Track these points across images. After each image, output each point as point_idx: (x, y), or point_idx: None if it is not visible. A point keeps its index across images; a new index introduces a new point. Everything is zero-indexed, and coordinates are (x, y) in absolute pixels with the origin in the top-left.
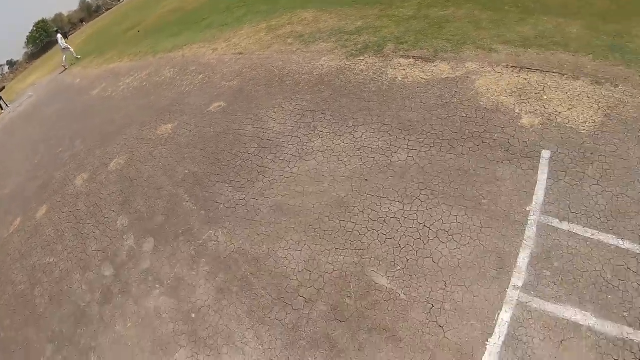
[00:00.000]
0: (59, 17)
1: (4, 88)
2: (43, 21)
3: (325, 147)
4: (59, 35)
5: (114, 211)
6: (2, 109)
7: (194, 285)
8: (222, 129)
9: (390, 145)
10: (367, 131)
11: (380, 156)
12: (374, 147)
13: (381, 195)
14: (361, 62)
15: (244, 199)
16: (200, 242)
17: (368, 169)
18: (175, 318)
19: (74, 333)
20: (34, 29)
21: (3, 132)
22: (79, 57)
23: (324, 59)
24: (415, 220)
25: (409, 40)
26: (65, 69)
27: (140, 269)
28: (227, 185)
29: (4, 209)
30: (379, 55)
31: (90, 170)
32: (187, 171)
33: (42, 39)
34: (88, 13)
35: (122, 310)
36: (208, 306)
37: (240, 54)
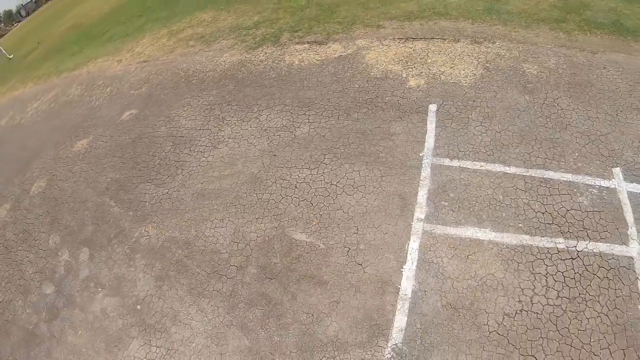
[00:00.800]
0: None
1: None
2: None
3: (235, 134)
4: None
5: (43, 232)
6: None
7: (134, 279)
8: (136, 134)
9: (293, 122)
10: (270, 114)
11: (284, 133)
12: (278, 126)
13: (290, 166)
14: (260, 53)
15: (167, 193)
16: (133, 239)
17: (275, 146)
18: (122, 314)
19: (27, 356)
20: None
21: None
22: (11, 56)
23: (225, 55)
24: (323, 181)
25: (303, 27)
26: None
27: (81, 278)
28: (149, 184)
29: None
30: (276, 45)
31: (11, 199)
32: (109, 179)
33: None
34: None
35: (71, 321)
36: (151, 295)
37: (145, 61)
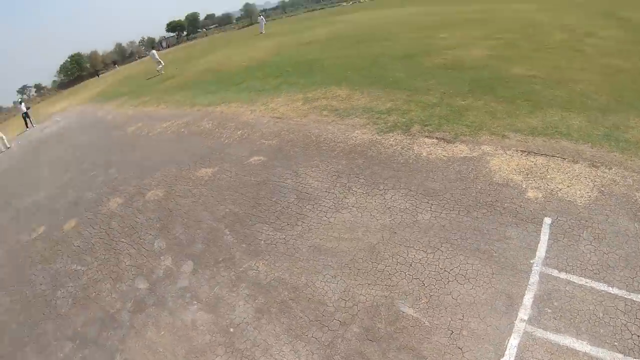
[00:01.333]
0: (94, 54)
1: (29, 108)
2: (78, 54)
3: (359, 204)
4: (153, 51)
5: (150, 234)
6: (27, 126)
7: (233, 304)
8: (262, 178)
9: (416, 207)
10: (395, 194)
11: (406, 215)
12: (402, 207)
13: (408, 245)
14: (390, 137)
15: (284, 238)
16: (241, 269)
17: (396, 224)
18: (212, 330)
19: (99, 335)
20: (69, 60)
21: (30, 147)
22: (162, 72)
23: (357, 131)
24: (437, 266)
25: (433, 123)
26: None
27: (178, 287)
28: (267, 225)
29: (26, 216)
30: (406, 134)
31: (125, 196)
32: (227, 210)
33: (73, 71)
34: (121, 56)
35: (156, 320)
36: (247, 323)
37: (279, 118)
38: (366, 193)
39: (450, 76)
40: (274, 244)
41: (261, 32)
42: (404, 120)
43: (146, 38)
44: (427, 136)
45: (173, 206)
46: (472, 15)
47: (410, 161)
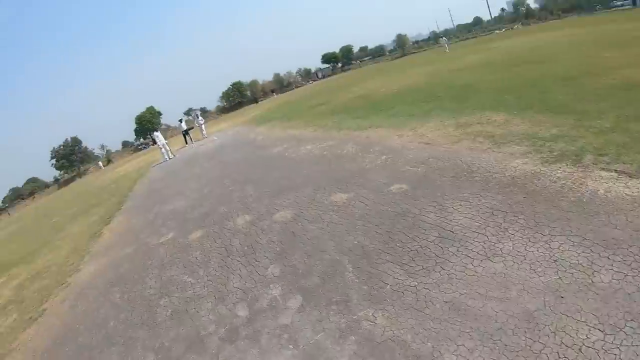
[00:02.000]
0: (253, 82)
1: (192, 128)
2: (239, 82)
3: (516, 252)
4: (200, 119)
5: (267, 257)
6: (186, 143)
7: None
8: (401, 210)
9: (592, 263)
10: (564, 243)
11: (579, 273)
12: (573, 261)
13: (579, 319)
14: (558, 169)
15: (415, 286)
16: (355, 317)
17: (565, 286)
18: None
19: (182, 356)
20: (230, 87)
21: (184, 161)
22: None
23: (516, 161)
24: (618, 357)
25: (610, 152)
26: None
27: (278, 323)
28: (397, 267)
29: (162, 222)
30: (577, 165)
31: (254, 214)
32: (356, 242)
33: (234, 97)
34: (279, 85)
35: (244, 356)
36: None
37: (427, 144)
38: (526, 238)
39: (624, 98)
40: (402, 292)
41: (446, 50)
42: (573, 148)
43: (302, 69)
44: (603, 169)
45: (298, 230)
46: (635, 33)
47: (584, 200)
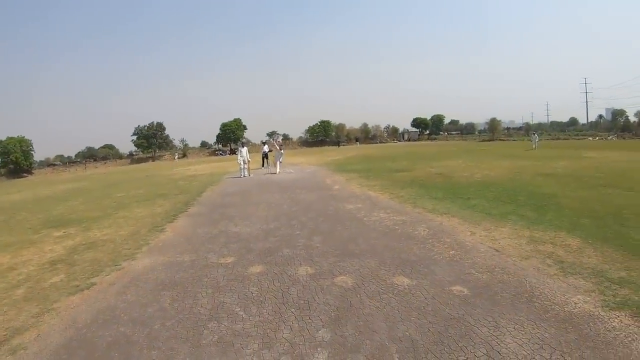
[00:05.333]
0: (341, 125)
1: (271, 151)
2: (327, 122)
3: None
4: (281, 150)
5: (320, 319)
6: (263, 165)
7: None
8: (457, 314)
9: None
10: None
11: None
12: None
13: None
14: (615, 318)
15: None
16: None
17: None
18: None
19: None
20: (318, 124)
21: (258, 186)
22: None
23: (578, 296)
24: None
25: None
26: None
27: None
28: None
29: (225, 242)
30: (636, 318)
31: (316, 269)
32: (407, 333)
33: (320, 134)
34: (364, 136)
35: None
36: None
37: (497, 250)
38: None
39: None
40: None
41: (535, 146)
42: (636, 298)
43: (390, 126)
44: None
45: (356, 302)
46: None
47: (632, 358)
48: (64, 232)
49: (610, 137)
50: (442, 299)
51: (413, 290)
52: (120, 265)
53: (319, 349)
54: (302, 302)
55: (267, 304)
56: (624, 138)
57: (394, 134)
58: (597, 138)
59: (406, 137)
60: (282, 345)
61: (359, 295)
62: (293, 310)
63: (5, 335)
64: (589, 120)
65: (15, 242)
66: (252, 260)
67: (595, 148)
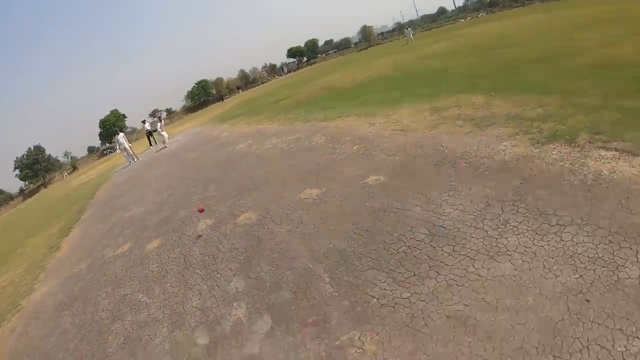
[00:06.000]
0: (219, 80)
1: (155, 130)
2: (204, 81)
3: (525, 249)
4: (159, 125)
5: (230, 269)
6: (150, 145)
7: None
8: (381, 204)
9: (614, 256)
10: (578, 234)
11: (602, 269)
12: (592, 256)
13: (611, 326)
14: (552, 150)
15: (408, 298)
16: (337, 343)
17: (588, 286)
18: None
19: None
20: (195, 86)
21: (145, 165)
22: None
23: (504, 143)
24: None
25: (605, 130)
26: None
27: (244, 353)
28: (384, 274)
29: (119, 231)
30: (572, 145)
31: (216, 217)
32: (331, 246)
33: (200, 96)
34: (245, 82)
35: None
36: None
37: (402, 130)
38: (532, 231)
39: (606, 75)
40: (392, 306)
41: (412, 41)
42: (564, 127)
43: (268, 64)
44: (602, 147)
45: (264, 235)
46: (602, 15)
47: (589, 183)
48: None
49: (481, 14)
50: (358, 194)
51: (324, 197)
52: (20, 305)
53: (234, 304)
54: (206, 258)
55: (169, 277)
56: (493, 12)
57: (272, 71)
58: (469, 18)
59: (286, 70)
60: (193, 317)
61: (266, 227)
62: (198, 271)
63: None
64: (457, 6)
65: None
66: (148, 238)
67: (468, 26)
